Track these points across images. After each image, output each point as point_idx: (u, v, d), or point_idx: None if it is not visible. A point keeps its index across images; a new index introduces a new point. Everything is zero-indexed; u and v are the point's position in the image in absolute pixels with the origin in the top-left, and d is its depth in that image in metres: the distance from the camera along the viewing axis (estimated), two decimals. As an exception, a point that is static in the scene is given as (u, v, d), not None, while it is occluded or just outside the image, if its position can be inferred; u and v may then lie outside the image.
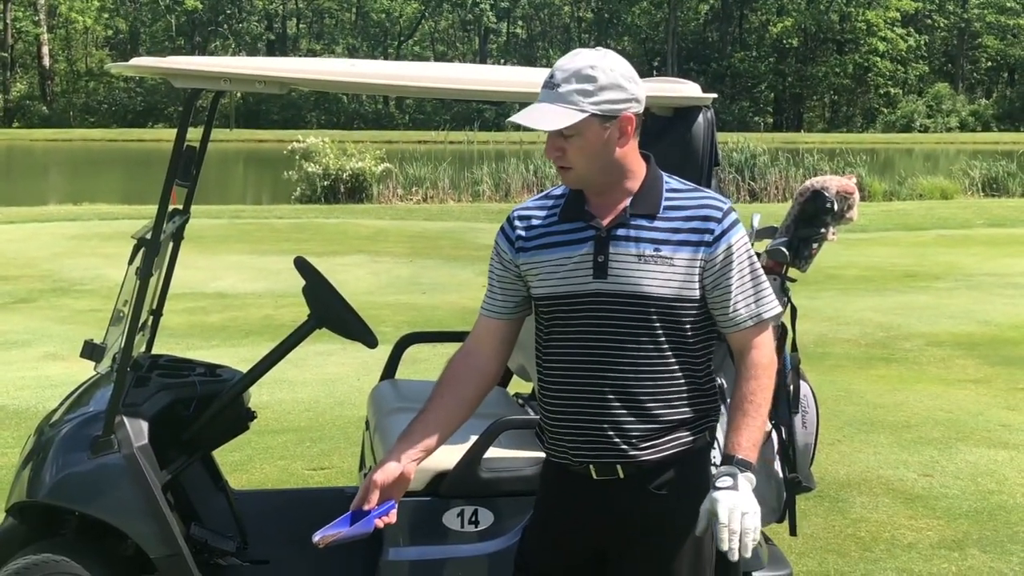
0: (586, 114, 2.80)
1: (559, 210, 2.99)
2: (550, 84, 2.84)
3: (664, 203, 2.92)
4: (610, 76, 2.82)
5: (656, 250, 2.87)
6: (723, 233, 2.89)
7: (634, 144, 2.92)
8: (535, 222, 3.01)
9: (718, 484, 2.80)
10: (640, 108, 2.88)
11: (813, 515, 5.92)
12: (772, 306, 2.98)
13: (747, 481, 2.81)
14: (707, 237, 2.88)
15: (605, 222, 2.91)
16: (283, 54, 78.73)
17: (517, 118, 2.86)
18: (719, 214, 2.91)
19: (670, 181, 2.98)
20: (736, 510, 2.74)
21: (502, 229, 3.07)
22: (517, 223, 3.03)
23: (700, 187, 3.02)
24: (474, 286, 13.29)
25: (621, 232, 2.89)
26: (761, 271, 2.99)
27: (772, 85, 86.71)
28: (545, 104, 2.83)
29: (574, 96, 2.80)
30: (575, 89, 2.80)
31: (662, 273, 2.87)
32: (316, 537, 2.79)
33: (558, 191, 3.04)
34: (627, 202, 2.91)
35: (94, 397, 4.31)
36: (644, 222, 2.89)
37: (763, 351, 2.96)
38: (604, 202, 2.93)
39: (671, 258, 2.87)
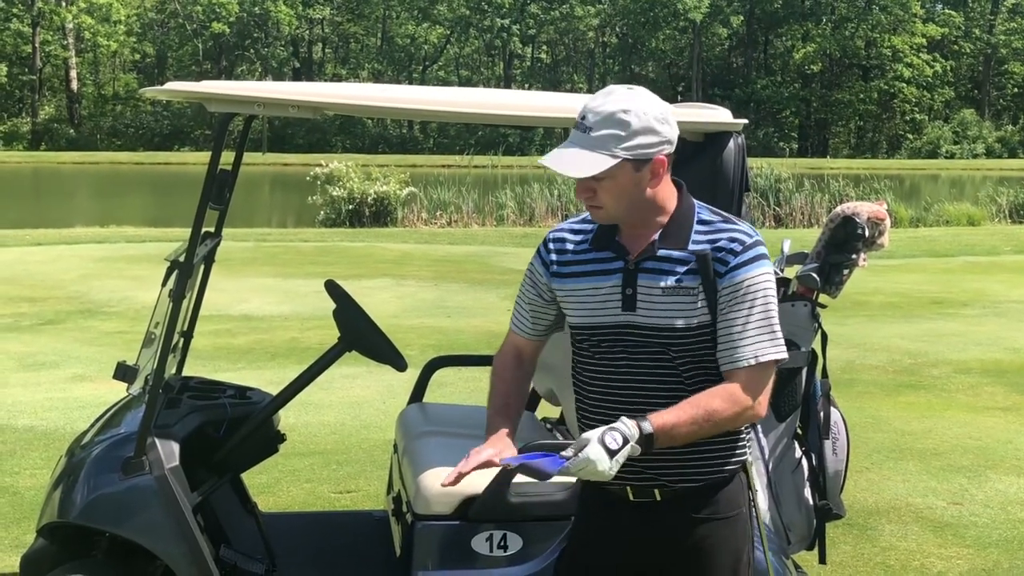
0: (618, 159, 2.78)
1: (591, 237, 3.00)
2: (582, 127, 2.81)
3: (693, 235, 2.90)
4: (643, 120, 2.79)
5: (679, 281, 2.87)
6: (739, 265, 2.86)
7: (666, 180, 2.91)
8: (568, 246, 3.02)
9: (608, 436, 2.69)
10: (672, 148, 2.87)
11: (842, 543, 5.88)
12: (774, 350, 2.89)
13: (630, 451, 2.72)
14: (721, 268, 2.86)
15: (633, 255, 2.91)
16: (308, 79, 79.20)
17: (547, 161, 2.83)
18: (739, 247, 2.87)
19: (702, 212, 2.96)
20: (591, 466, 2.66)
21: (538, 251, 3.09)
22: (552, 246, 3.05)
23: (733, 218, 2.97)
24: (499, 310, 13.30)
25: (648, 265, 2.90)
26: (774, 315, 2.90)
27: (797, 111, 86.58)
28: (575, 148, 2.81)
29: (606, 141, 2.78)
30: (608, 135, 2.78)
31: (687, 305, 2.86)
32: (503, 460, 2.82)
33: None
34: (656, 235, 2.91)
35: (125, 418, 4.33)
36: (672, 253, 2.89)
37: (751, 392, 2.85)
38: (635, 234, 2.93)
39: (693, 288, 2.86)
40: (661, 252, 2.89)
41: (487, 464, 2.91)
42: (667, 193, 2.92)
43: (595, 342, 2.97)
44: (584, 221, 3.06)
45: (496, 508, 3.96)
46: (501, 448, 2.94)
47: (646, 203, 2.88)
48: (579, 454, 2.69)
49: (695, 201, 2.98)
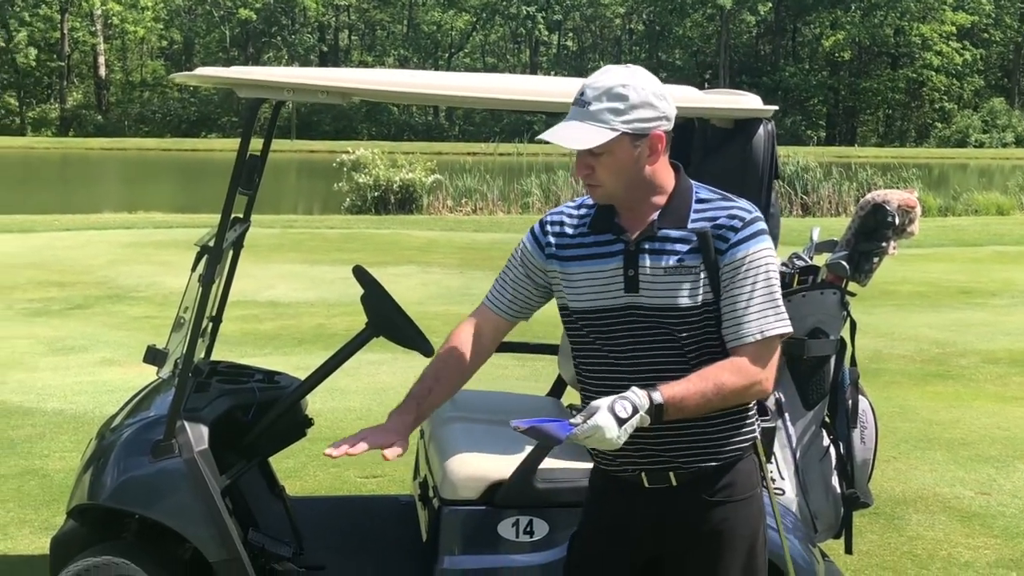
0: (617, 133, 2.79)
1: (590, 220, 3.00)
2: (580, 102, 2.83)
3: (692, 215, 2.90)
4: (641, 94, 2.81)
5: (680, 260, 2.87)
6: (740, 242, 2.86)
7: (664, 160, 2.91)
8: (567, 230, 3.02)
9: (618, 404, 2.68)
10: (670, 126, 2.88)
11: (869, 532, 5.87)
12: (779, 324, 2.88)
13: (639, 420, 2.71)
14: (722, 245, 2.86)
15: (633, 236, 2.91)
16: (335, 65, 79.30)
17: (548, 136, 2.85)
18: (739, 223, 2.87)
19: (699, 191, 2.96)
20: (599, 432, 2.66)
21: (532, 231, 3.09)
22: (549, 228, 3.05)
23: (731, 196, 2.97)
24: (525, 297, 13.29)
25: (648, 245, 2.90)
26: (777, 290, 2.90)
27: (825, 99, 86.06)
28: (575, 122, 2.83)
29: (605, 114, 2.79)
30: (606, 108, 2.80)
31: (689, 284, 2.86)
32: (514, 422, 2.80)
33: (592, 200, 3.04)
34: (655, 215, 2.91)
35: (155, 402, 4.36)
36: (671, 233, 2.89)
37: (758, 367, 2.85)
38: (633, 215, 2.93)
39: (695, 267, 2.86)
40: (661, 232, 2.89)
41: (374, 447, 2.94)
42: (665, 172, 2.93)
43: (597, 326, 2.95)
44: (581, 206, 3.06)
45: (522, 494, 3.97)
46: (390, 440, 2.95)
47: (644, 181, 2.89)
48: (588, 421, 2.68)
49: (692, 181, 2.98)
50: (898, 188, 5.22)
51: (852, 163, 31.33)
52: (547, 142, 2.85)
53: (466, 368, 3.12)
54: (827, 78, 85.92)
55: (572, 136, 2.81)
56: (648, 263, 2.88)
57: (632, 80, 2.81)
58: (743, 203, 2.93)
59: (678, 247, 2.87)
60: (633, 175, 2.86)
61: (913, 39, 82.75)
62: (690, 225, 2.88)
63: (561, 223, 3.04)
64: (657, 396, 2.74)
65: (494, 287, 3.16)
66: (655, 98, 2.82)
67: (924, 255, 17.90)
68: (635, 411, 2.70)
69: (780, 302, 2.90)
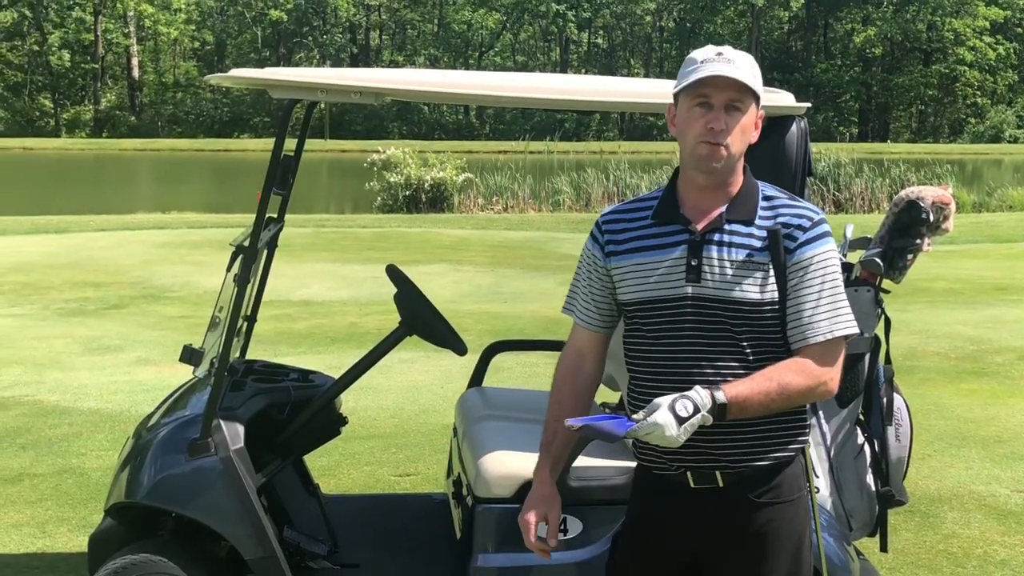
0: (759, 92, 2.87)
1: (652, 211, 2.99)
2: (722, 59, 2.83)
3: (760, 211, 2.91)
4: (758, 70, 2.90)
5: (749, 255, 2.86)
6: (807, 242, 2.87)
7: None
8: (625, 225, 3.02)
9: (679, 403, 2.69)
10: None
11: (904, 530, 5.84)
12: (846, 325, 2.88)
13: (700, 420, 2.71)
14: (791, 244, 2.87)
15: (700, 226, 2.91)
16: (366, 65, 79.56)
17: (711, 69, 2.80)
18: (808, 223, 2.88)
19: (766, 189, 2.97)
20: (658, 430, 2.67)
21: (592, 236, 3.08)
22: (605, 227, 3.05)
23: (796, 197, 2.99)
24: (556, 295, 13.26)
25: (716, 237, 2.89)
26: (842, 291, 2.91)
27: (857, 95, 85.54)
28: (730, 66, 2.82)
29: (749, 72, 2.84)
30: (748, 67, 2.85)
31: (755, 278, 2.86)
32: (569, 421, 2.82)
33: (649, 195, 3.04)
34: (723, 207, 2.91)
35: (191, 401, 4.39)
36: (739, 227, 2.89)
37: (825, 367, 2.85)
38: (701, 206, 2.93)
39: (763, 264, 2.86)
40: (728, 225, 2.89)
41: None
42: (742, 161, 2.95)
43: (653, 318, 2.93)
44: (639, 200, 3.06)
45: (556, 492, 3.96)
46: (545, 509, 3.09)
47: (740, 158, 2.91)
48: (648, 418, 2.69)
49: (758, 181, 2.99)
50: (932, 184, 5.19)
51: (885, 159, 31.12)
52: (711, 75, 2.79)
53: (583, 402, 3.16)
54: (859, 74, 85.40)
55: (739, 73, 2.82)
56: (715, 254, 2.88)
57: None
58: (808, 204, 2.96)
59: (747, 241, 2.87)
60: (744, 145, 2.89)
61: (946, 34, 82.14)
62: (758, 221, 2.89)
63: (616, 220, 3.04)
64: (720, 395, 2.74)
65: (576, 306, 3.14)
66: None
67: (958, 251, 17.78)
68: (696, 410, 2.70)
69: (846, 303, 2.90)
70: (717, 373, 2.86)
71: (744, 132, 2.86)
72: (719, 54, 2.84)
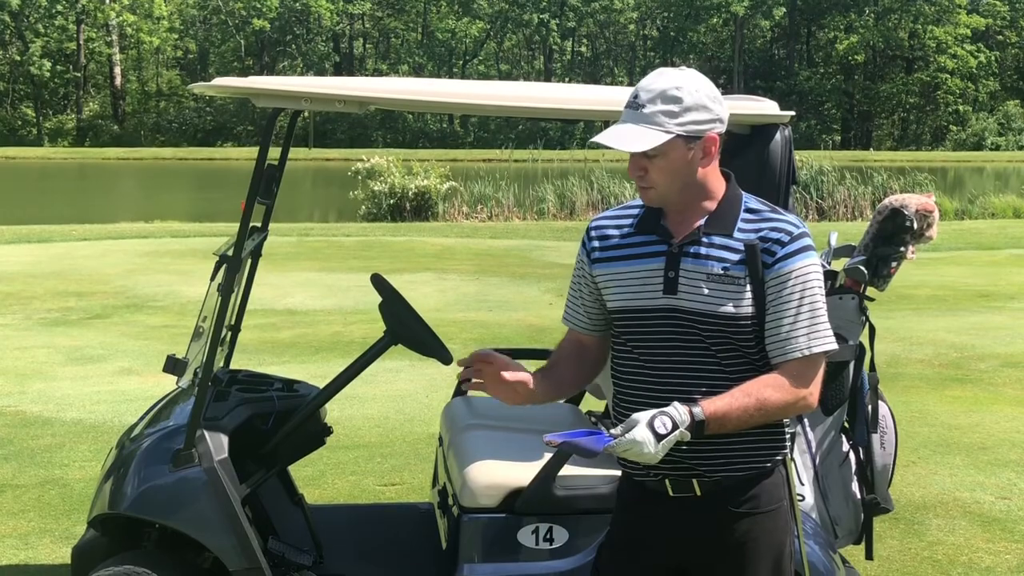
0: (671, 135, 2.79)
1: (636, 222, 3.00)
2: (635, 104, 2.83)
3: (739, 223, 2.90)
4: (695, 97, 2.81)
5: (725, 269, 2.86)
6: (786, 256, 2.85)
7: (715, 164, 2.91)
8: (611, 232, 3.03)
9: (657, 420, 2.71)
10: (723, 128, 2.88)
11: (889, 538, 5.84)
12: (825, 341, 2.88)
13: (679, 436, 2.73)
14: (769, 259, 2.86)
15: (679, 238, 2.91)
16: (350, 74, 79.58)
17: (601, 138, 2.85)
18: (787, 238, 2.87)
19: (749, 201, 2.96)
20: (637, 447, 2.69)
21: (582, 242, 3.10)
22: (593, 234, 3.06)
23: (779, 209, 2.97)
24: (540, 304, 13.30)
25: (693, 249, 2.89)
26: (822, 306, 2.89)
27: (839, 103, 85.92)
28: (630, 124, 2.82)
29: (659, 117, 2.79)
30: (660, 110, 2.80)
31: (731, 292, 2.85)
32: (547, 437, 2.80)
33: (638, 203, 3.04)
34: (703, 220, 2.91)
35: (174, 411, 4.38)
36: (717, 240, 2.89)
37: (803, 383, 2.85)
38: (681, 219, 2.93)
39: (739, 277, 2.85)
40: (706, 237, 2.89)
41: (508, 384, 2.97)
42: (716, 178, 2.93)
43: (633, 328, 2.95)
44: (626, 207, 3.07)
45: (542, 501, 3.97)
46: (524, 379, 2.98)
47: (696, 184, 2.89)
48: (626, 435, 2.70)
49: (742, 191, 2.98)
50: (915, 192, 5.20)
51: (867, 167, 31.24)
52: (602, 145, 2.84)
53: (577, 372, 3.15)
54: (842, 82, 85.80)
55: (627, 138, 2.81)
56: (691, 267, 2.88)
57: (686, 83, 2.82)
58: (791, 217, 2.94)
59: (724, 255, 2.87)
60: (686, 177, 2.87)
61: (927, 42, 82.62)
62: (736, 234, 2.88)
63: (604, 227, 3.05)
64: (698, 412, 2.75)
65: (568, 309, 3.16)
66: (709, 100, 2.83)
67: (941, 259, 17.85)
68: (675, 427, 2.72)
69: (826, 318, 2.89)
70: (695, 385, 2.87)
71: (670, 173, 2.85)
72: (635, 98, 2.83)
